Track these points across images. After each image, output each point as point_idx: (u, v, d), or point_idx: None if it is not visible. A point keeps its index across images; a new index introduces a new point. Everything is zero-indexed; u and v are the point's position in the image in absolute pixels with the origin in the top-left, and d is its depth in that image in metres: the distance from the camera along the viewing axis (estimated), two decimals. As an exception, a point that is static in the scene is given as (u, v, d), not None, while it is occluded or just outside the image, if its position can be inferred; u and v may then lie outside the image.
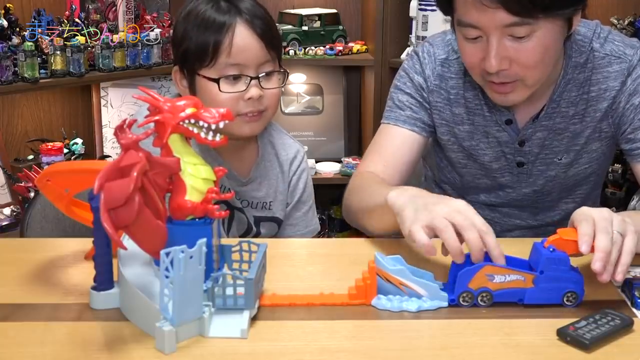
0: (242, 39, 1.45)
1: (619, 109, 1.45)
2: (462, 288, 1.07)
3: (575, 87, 1.45)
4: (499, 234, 1.63)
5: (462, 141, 1.54)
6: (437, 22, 2.71)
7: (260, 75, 1.47)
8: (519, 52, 1.30)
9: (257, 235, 1.61)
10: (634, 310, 1.08)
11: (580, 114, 1.47)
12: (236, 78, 1.46)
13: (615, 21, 2.86)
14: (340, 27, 3.11)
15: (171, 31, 2.75)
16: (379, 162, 1.51)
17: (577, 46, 1.44)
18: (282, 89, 1.54)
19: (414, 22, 2.87)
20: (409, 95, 1.54)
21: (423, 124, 1.53)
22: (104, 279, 1.05)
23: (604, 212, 1.10)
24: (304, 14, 3.04)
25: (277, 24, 1.59)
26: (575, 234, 1.07)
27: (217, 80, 1.45)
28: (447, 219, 1.09)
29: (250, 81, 1.46)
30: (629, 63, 1.43)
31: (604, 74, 1.44)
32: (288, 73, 1.54)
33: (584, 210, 1.10)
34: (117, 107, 2.98)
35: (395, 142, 1.52)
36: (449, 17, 1.40)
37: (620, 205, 2.57)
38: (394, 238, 1.43)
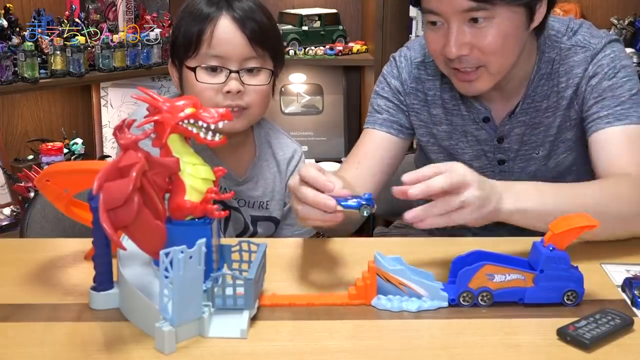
0: (224, 31, 1.46)
1: (580, 93, 1.46)
2: (462, 288, 1.07)
3: (546, 81, 1.47)
4: (491, 227, 1.63)
5: (441, 141, 1.56)
6: (437, 22, 2.70)
7: (240, 70, 1.47)
8: (478, 38, 1.32)
9: (254, 234, 1.61)
10: (634, 309, 1.08)
11: (552, 106, 1.48)
12: (215, 69, 1.47)
13: (615, 21, 2.87)
14: (340, 27, 3.11)
15: (172, 30, 2.77)
16: (352, 166, 1.52)
17: (550, 41, 1.46)
18: (272, 90, 1.53)
19: (414, 22, 2.87)
20: (386, 99, 1.56)
21: (400, 127, 1.55)
22: (104, 279, 1.05)
23: (475, 176, 1.09)
24: (304, 14, 3.04)
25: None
26: (566, 222, 1.05)
27: (194, 69, 1.46)
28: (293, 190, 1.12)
29: (230, 74, 1.46)
30: (593, 51, 1.45)
31: (570, 64, 1.46)
32: (274, 72, 1.52)
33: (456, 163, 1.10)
34: (117, 107, 2.98)
35: (372, 145, 1.54)
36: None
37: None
38: (394, 238, 1.43)
